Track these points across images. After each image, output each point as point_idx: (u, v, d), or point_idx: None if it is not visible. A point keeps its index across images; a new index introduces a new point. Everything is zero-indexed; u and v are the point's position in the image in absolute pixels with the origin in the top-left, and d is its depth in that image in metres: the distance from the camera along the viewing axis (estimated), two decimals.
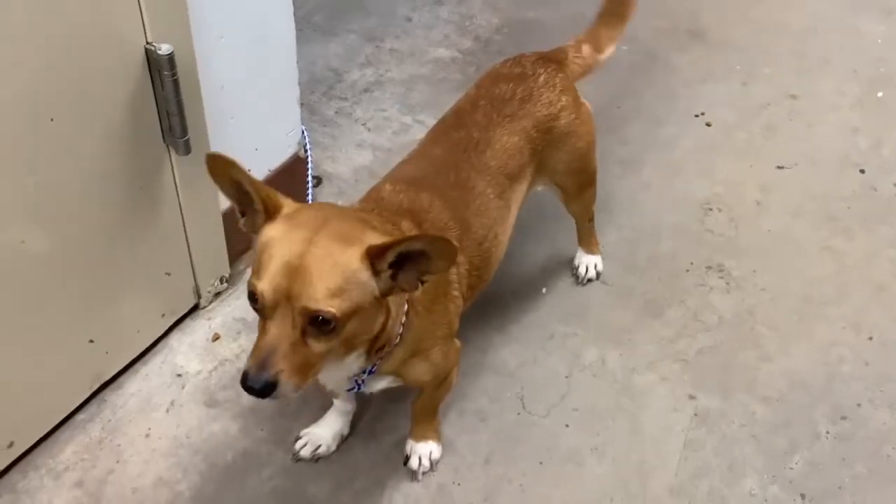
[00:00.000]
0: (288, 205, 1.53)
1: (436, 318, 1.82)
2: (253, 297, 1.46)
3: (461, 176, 1.98)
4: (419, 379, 1.87)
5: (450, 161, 1.99)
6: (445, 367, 1.92)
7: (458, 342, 1.98)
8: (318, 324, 1.43)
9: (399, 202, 1.84)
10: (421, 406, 2.10)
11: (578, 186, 2.37)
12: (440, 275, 1.81)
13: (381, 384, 1.85)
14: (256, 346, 1.45)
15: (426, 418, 2.14)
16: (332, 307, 1.42)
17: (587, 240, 2.60)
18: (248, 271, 2.56)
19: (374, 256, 1.45)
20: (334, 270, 1.43)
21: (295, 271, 1.41)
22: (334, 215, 1.53)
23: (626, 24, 2.36)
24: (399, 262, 1.48)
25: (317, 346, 1.46)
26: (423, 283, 1.52)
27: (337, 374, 1.72)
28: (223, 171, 1.50)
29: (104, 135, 1.93)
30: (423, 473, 2.15)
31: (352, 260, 1.44)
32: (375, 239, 1.48)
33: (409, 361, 1.81)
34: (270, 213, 1.51)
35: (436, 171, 1.97)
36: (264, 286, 1.43)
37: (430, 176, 1.96)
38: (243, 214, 1.57)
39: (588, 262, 2.61)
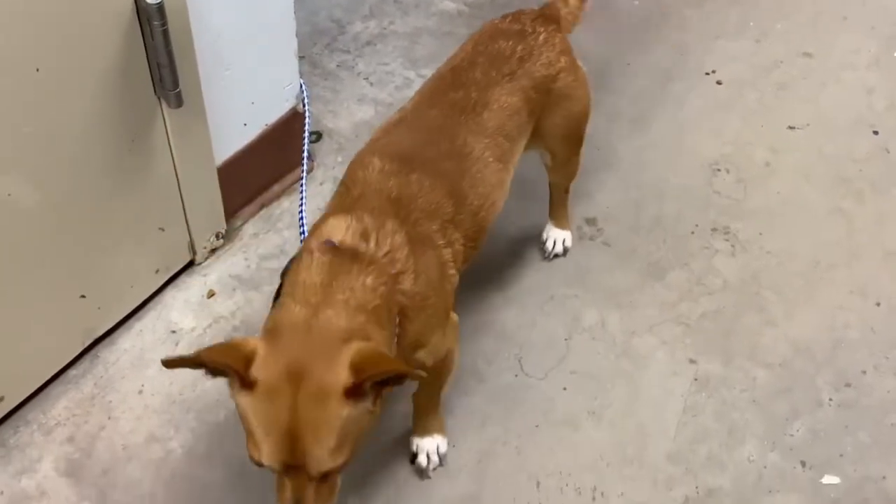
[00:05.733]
0: (258, 353, 1.42)
1: (430, 312, 1.75)
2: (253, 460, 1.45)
3: (457, 143, 1.91)
4: (420, 366, 1.79)
5: (445, 126, 1.92)
6: (444, 345, 1.84)
7: (454, 316, 1.90)
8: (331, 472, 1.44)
9: (388, 190, 1.76)
10: (423, 396, 2.03)
11: (568, 153, 2.31)
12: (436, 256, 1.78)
13: None
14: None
15: (429, 410, 2.06)
16: (339, 460, 1.42)
17: (559, 213, 2.51)
18: (245, 227, 2.54)
19: (352, 394, 1.40)
20: (328, 429, 1.39)
21: (292, 442, 1.39)
22: (307, 353, 1.43)
23: None
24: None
25: (334, 480, 1.48)
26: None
27: None
28: (180, 364, 1.42)
29: (92, 86, 1.88)
30: (434, 469, 2.09)
31: (337, 410, 1.40)
32: (354, 356, 1.41)
33: (408, 356, 1.74)
34: (242, 374, 1.41)
35: (429, 140, 1.90)
36: (268, 461, 1.42)
37: (423, 147, 1.88)
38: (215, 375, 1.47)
39: (557, 237, 2.53)
